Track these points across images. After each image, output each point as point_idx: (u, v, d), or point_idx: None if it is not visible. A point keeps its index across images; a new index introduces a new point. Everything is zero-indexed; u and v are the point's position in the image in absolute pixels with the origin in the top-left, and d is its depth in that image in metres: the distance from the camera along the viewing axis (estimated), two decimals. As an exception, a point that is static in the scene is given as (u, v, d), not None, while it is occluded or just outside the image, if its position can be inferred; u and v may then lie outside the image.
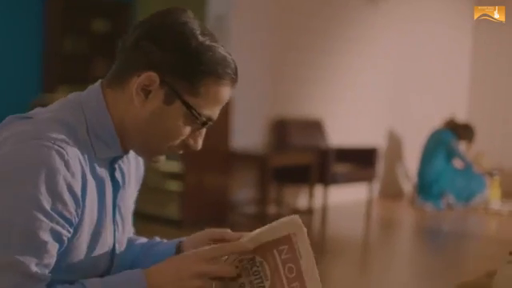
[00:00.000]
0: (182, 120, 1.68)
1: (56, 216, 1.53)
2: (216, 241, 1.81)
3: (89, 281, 1.60)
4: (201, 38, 1.67)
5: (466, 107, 11.93)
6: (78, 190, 1.58)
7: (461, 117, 10.64)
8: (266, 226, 1.64)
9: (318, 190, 8.14)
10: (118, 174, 1.79)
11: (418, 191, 9.78)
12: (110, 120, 1.70)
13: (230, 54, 1.73)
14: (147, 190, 7.70)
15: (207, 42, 1.68)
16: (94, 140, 1.68)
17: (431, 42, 10.96)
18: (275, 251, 1.62)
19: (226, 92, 1.71)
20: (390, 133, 10.38)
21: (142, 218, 7.17)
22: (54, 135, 1.57)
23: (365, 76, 9.73)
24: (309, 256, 1.61)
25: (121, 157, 1.79)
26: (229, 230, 1.82)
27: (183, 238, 1.92)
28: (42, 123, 1.61)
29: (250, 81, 8.01)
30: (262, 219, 7.20)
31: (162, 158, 1.79)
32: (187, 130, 1.70)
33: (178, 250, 1.92)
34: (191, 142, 1.74)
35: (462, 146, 9.89)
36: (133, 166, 1.92)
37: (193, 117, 1.67)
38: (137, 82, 1.66)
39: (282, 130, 8.29)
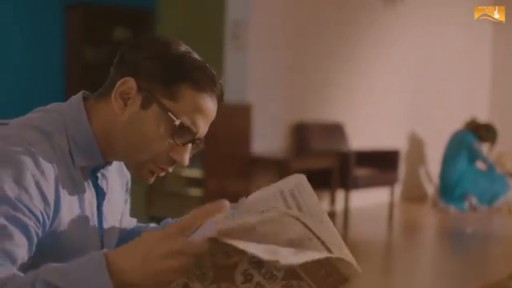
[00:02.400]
0: (161, 126, 1.68)
1: (21, 206, 1.52)
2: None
3: (46, 267, 1.45)
4: (182, 48, 1.72)
5: (487, 108, 11.89)
6: (47, 189, 1.58)
7: (482, 118, 10.59)
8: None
9: (340, 193, 8.13)
10: (101, 182, 1.80)
11: (441, 193, 9.74)
12: (90, 129, 1.72)
13: (211, 68, 1.74)
14: (168, 196, 7.75)
15: (187, 51, 1.73)
16: (74, 148, 1.69)
17: (451, 44, 10.93)
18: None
19: (207, 102, 1.71)
20: (411, 135, 10.35)
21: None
22: (26, 137, 1.60)
23: (385, 78, 9.72)
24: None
25: (103, 166, 1.80)
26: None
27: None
28: (16, 128, 1.64)
29: (269, 85, 8.01)
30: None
31: (151, 178, 1.77)
32: (166, 137, 1.69)
33: None
34: (176, 156, 1.72)
35: (484, 148, 9.84)
36: (116, 174, 1.93)
37: (169, 121, 1.67)
38: (112, 88, 1.70)
39: (302, 134, 8.28)
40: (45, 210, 1.58)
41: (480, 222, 9.01)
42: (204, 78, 1.70)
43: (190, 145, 1.73)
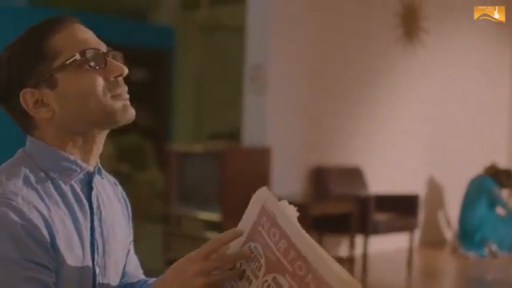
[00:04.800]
0: (77, 75, 1.67)
1: (28, 263, 1.51)
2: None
3: None
4: (13, 39, 1.73)
5: (506, 152, 11.81)
6: (41, 236, 1.56)
7: (501, 162, 10.52)
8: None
9: (359, 238, 8.05)
10: (94, 195, 1.76)
11: (460, 239, 9.64)
12: (53, 148, 1.70)
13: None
14: (185, 238, 7.69)
15: (19, 35, 1.72)
16: (55, 174, 1.68)
17: (469, 88, 10.90)
18: (260, 228, 1.60)
19: (73, 29, 1.71)
20: (430, 180, 10.29)
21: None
22: (1, 191, 1.57)
23: (404, 123, 9.68)
24: (283, 216, 1.58)
25: (94, 174, 1.77)
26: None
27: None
28: None
29: (288, 129, 8.00)
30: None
31: (127, 107, 1.77)
32: (93, 76, 1.68)
33: None
34: (114, 73, 1.73)
35: (504, 193, 9.75)
36: (116, 202, 1.91)
37: (76, 65, 1.67)
38: (28, 110, 1.69)
39: (321, 179, 8.25)
40: (49, 256, 1.57)
41: (500, 269, 8.90)
42: (51, 23, 1.70)
43: (110, 58, 1.74)
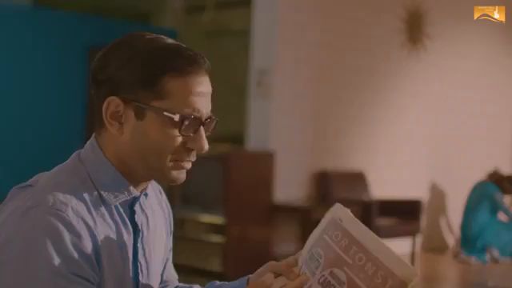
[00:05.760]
0: (164, 127, 1.62)
1: (74, 277, 1.51)
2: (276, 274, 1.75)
3: None
4: (145, 40, 1.65)
5: (510, 158, 11.81)
6: (88, 249, 1.56)
7: (504, 168, 10.51)
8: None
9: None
10: (138, 217, 1.75)
11: (462, 245, 9.63)
12: (110, 164, 1.68)
13: (184, 45, 1.67)
14: (189, 242, 7.70)
15: (153, 43, 1.65)
16: (103, 191, 1.66)
17: (473, 94, 10.90)
18: (325, 235, 1.64)
19: (196, 83, 1.64)
20: (433, 185, 10.29)
21: (183, 271, 7.14)
22: (52, 200, 1.55)
23: (407, 128, 9.69)
24: (349, 218, 1.65)
25: (139, 197, 1.75)
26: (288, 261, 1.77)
27: (250, 276, 1.86)
28: (41, 191, 1.59)
29: (292, 133, 8.01)
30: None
31: (182, 174, 1.70)
32: (175, 134, 1.62)
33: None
34: (193, 146, 1.66)
35: (506, 199, 9.74)
36: (159, 212, 1.90)
37: (170, 119, 1.60)
38: (103, 114, 1.64)
39: (324, 183, 8.25)
40: (93, 270, 1.57)
41: (502, 275, 8.90)
42: (182, 61, 1.62)
43: (202, 129, 1.66)
